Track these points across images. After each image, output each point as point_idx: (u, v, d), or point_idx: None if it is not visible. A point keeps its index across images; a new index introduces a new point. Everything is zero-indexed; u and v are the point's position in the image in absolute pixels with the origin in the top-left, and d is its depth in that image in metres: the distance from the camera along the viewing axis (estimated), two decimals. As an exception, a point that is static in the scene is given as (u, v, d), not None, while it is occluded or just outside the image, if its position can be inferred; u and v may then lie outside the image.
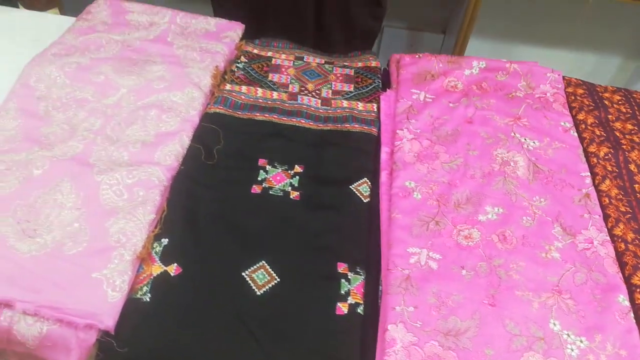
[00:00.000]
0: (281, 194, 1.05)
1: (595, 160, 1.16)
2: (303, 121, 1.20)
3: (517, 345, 0.84)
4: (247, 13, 1.51)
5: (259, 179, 1.07)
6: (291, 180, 1.07)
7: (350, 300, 0.90)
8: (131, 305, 0.85)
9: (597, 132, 1.23)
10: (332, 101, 1.26)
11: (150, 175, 0.99)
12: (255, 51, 1.38)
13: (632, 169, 1.15)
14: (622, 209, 1.07)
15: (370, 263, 0.96)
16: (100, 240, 0.89)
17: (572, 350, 0.84)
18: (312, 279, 0.92)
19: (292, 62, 1.37)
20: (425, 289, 0.89)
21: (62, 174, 0.98)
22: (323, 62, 1.38)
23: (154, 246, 0.93)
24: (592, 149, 1.19)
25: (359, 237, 0.99)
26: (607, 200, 1.08)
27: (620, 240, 1.01)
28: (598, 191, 1.10)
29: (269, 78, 1.30)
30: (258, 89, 1.26)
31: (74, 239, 0.89)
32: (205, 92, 1.21)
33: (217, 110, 1.18)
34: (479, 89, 1.30)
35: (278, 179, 1.07)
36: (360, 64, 1.39)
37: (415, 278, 0.91)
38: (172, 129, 1.10)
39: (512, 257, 0.96)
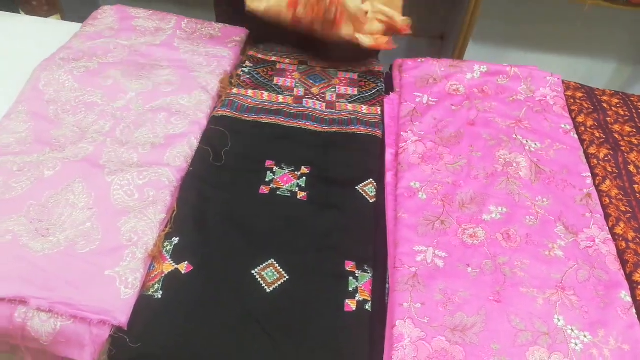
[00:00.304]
0: (288, 194, 1.06)
1: (595, 161, 1.19)
2: (308, 124, 1.22)
3: (522, 340, 0.86)
4: (249, 19, 1.52)
5: (267, 179, 1.08)
6: (298, 181, 1.09)
7: (359, 297, 0.91)
8: (143, 302, 0.86)
9: (597, 134, 1.26)
10: (337, 104, 1.28)
11: (160, 176, 1.01)
12: (260, 55, 1.40)
13: (632, 169, 1.17)
14: (623, 208, 1.09)
15: (377, 261, 0.97)
16: (113, 239, 0.91)
17: (576, 344, 0.86)
18: (320, 276, 0.93)
19: (296, 66, 1.39)
20: (432, 286, 0.91)
21: (74, 175, 0.99)
22: (327, 66, 1.40)
23: (165, 245, 0.94)
24: (592, 150, 1.21)
25: (366, 236, 1.01)
26: (608, 200, 1.10)
27: (621, 238, 1.03)
28: (599, 191, 1.12)
29: (274, 82, 1.32)
30: (264, 92, 1.28)
31: (87, 238, 0.90)
32: (212, 95, 1.23)
33: (224, 113, 1.20)
34: (481, 92, 1.33)
35: (285, 180, 1.09)
36: (363, 68, 1.41)
37: (422, 275, 0.93)
38: (181, 131, 1.12)
39: (517, 255, 0.97)
